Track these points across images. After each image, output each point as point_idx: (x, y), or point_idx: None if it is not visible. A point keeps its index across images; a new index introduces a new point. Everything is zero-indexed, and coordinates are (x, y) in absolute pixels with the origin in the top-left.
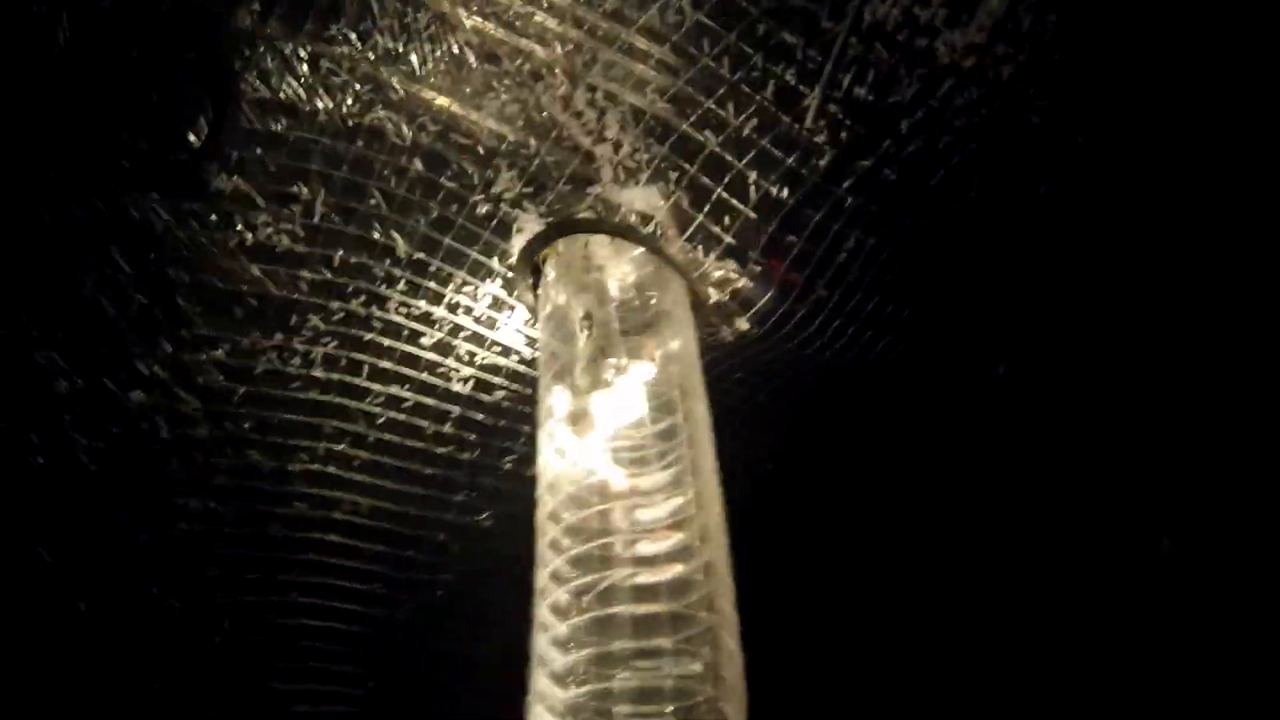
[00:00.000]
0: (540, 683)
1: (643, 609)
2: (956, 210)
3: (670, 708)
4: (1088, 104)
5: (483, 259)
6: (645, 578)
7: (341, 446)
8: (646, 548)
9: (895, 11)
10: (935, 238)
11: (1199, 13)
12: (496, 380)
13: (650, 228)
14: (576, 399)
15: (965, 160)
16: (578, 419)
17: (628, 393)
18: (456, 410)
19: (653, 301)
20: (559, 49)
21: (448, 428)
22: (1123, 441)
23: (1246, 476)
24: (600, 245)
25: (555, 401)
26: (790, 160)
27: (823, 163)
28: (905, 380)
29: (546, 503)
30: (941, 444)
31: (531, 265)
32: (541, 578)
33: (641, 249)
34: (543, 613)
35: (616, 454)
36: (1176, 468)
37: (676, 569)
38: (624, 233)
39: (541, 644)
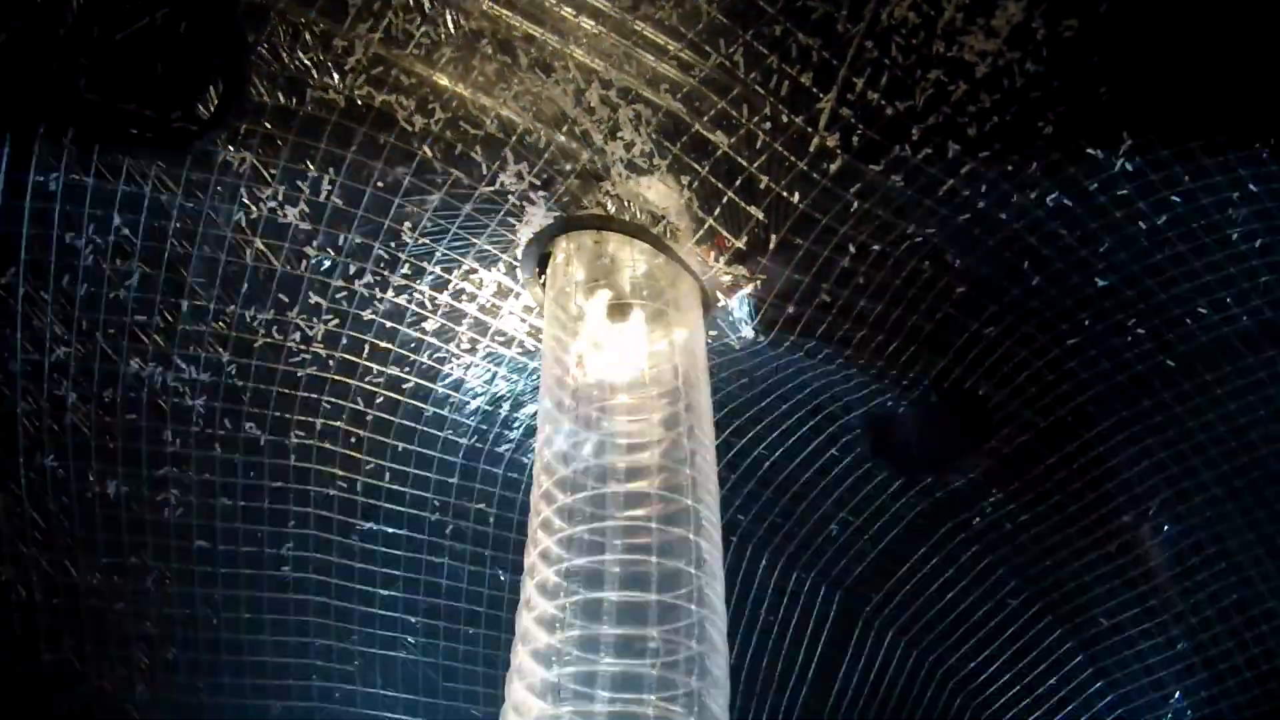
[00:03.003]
0: (521, 660)
1: (631, 596)
2: (964, 220)
3: (652, 697)
4: (1101, 113)
5: (489, 248)
6: (636, 566)
7: (339, 423)
8: (639, 536)
9: (912, 15)
10: (941, 245)
11: (1218, 22)
12: (499, 370)
13: (660, 227)
14: (579, 386)
15: (975, 168)
16: (579, 403)
17: (631, 381)
18: (456, 396)
19: (661, 296)
20: (573, 39)
21: (447, 411)
22: (1118, 446)
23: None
24: (609, 241)
25: (556, 387)
26: (802, 164)
27: (834, 167)
28: (908, 386)
29: (541, 482)
30: (942, 452)
31: (538, 257)
32: (530, 556)
33: (651, 247)
34: (529, 591)
35: (616, 440)
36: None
37: (668, 559)
38: (633, 231)
39: (525, 622)
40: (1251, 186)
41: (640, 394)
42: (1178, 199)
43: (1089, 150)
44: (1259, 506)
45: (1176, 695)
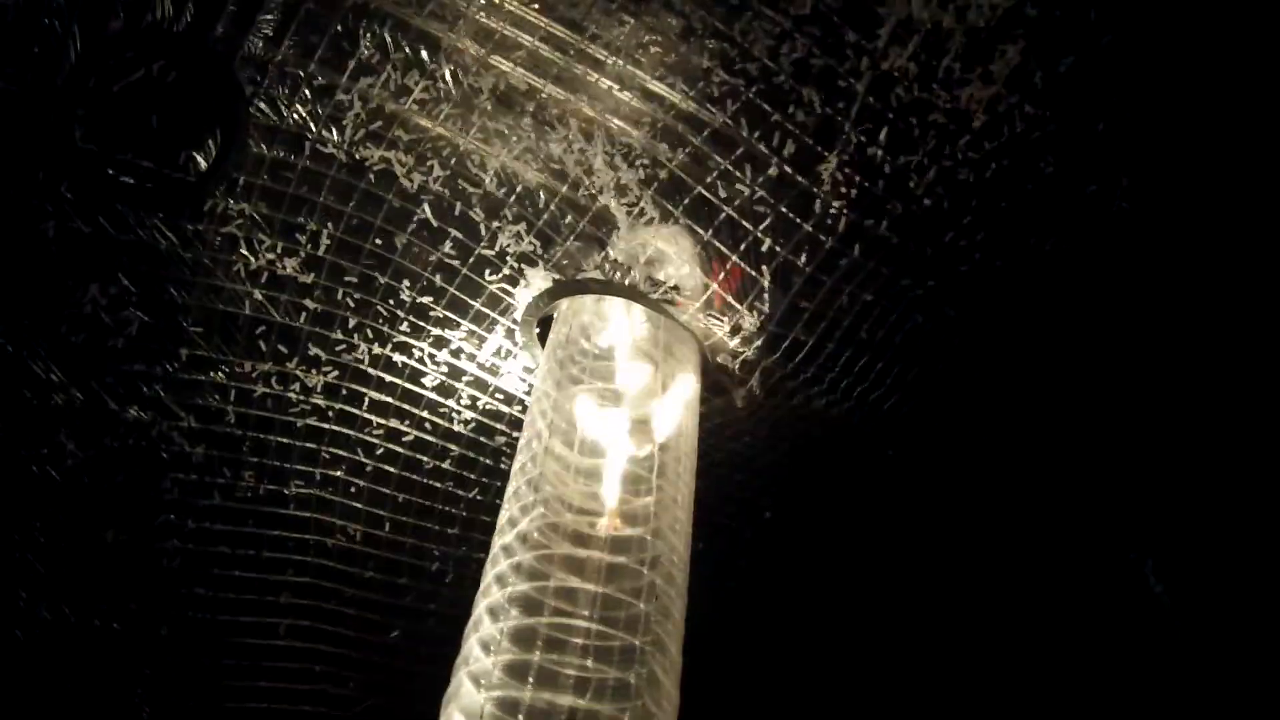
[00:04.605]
0: (460, 681)
1: (564, 624)
2: (965, 270)
3: None
4: (1101, 153)
5: (487, 310)
6: (588, 602)
7: (339, 473)
8: (589, 568)
9: (912, 65)
10: (943, 296)
11: (1215, 59)
12: (498, 426)
13: (662, 293)
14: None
15: (975, 218)
16: (556, 436)
17: (617, 443)
18: (457, 450)
19: (659, 368)
20: (575, 97)
21: (448, 465)
22: (1118, 484)
23: (1238, 518)
24: (609, 306)
25: (540, 418)
26: (808, 226)
27: (840, 227)
28: (907, 434)
29: (509, 506)
30: (939, 492)
31: (538, 320)
32: (487, 577)
33: (652, 313)
34: (479, 612)
35: (590, 479)
36: (1169, 510)
37: (630, 603)
38: (634, 296)
39: (470, 644)
40: None
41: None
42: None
43: (1090, 189)
44: None
45: None
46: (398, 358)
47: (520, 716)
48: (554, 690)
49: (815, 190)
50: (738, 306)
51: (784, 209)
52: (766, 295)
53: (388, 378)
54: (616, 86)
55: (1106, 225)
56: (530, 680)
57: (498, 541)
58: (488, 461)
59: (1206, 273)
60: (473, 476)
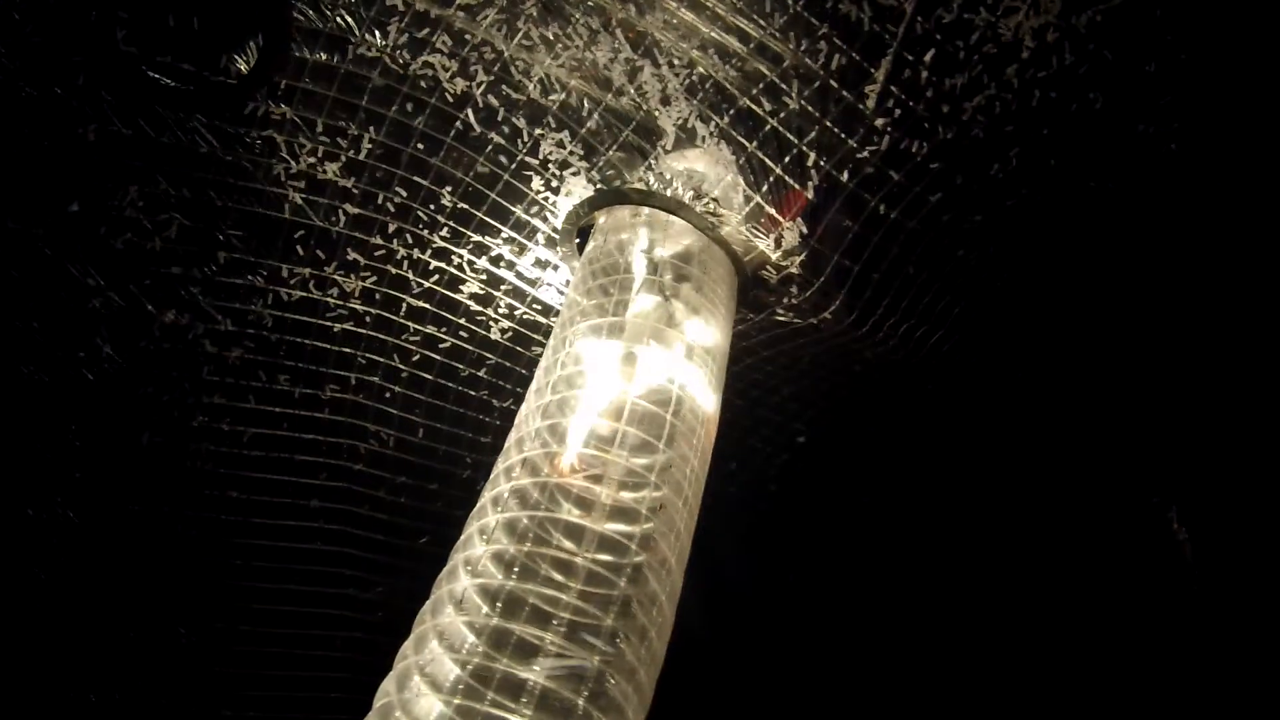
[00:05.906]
0: (455, 566)
1: (542, 592)
2: (1010, 204)
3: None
4: (1152, 92)
5: (528, 217)
6: (564, 555)
7: (374, 379)
8: (576, 535)
9: None
10: (987, 231)
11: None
12: (535, 336)
13: (704, 205)
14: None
15: (1026, 149)
16: (572, 365)
17: (645, 362)
18: (493, 359)
19: (694, 282)
20: (622, 5)
21: (483, 373)
22: (1146, 433)
23: (1263, 468)
24: (649, 218)
25: (561, 346)
26: (851, 142)
27: (883, 145)
28: (945, 370)
29: (527, 404)
30: (969, 431)
31: (578, 229)
32: (495, 469)
33: (692, 226)
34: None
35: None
36: (1195, 459)
37: (601, 554)
38: (675, 208)
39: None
40: None
41: (651, 377)
42: None
43: (1140, 127)
44: None
45: None
46: (437, 264)
47: (499, 603)
48: (535, 582)
49: (860, 107)
50: (781, 220)
51: (829, 123)
52: (810, 209)
53: (426, 284)
54: None
55: (1154, 166)
56: (515, 571)
57: (512, 436)
58: (523, 371)
59: (1252, 220)
60: (508, 386)
